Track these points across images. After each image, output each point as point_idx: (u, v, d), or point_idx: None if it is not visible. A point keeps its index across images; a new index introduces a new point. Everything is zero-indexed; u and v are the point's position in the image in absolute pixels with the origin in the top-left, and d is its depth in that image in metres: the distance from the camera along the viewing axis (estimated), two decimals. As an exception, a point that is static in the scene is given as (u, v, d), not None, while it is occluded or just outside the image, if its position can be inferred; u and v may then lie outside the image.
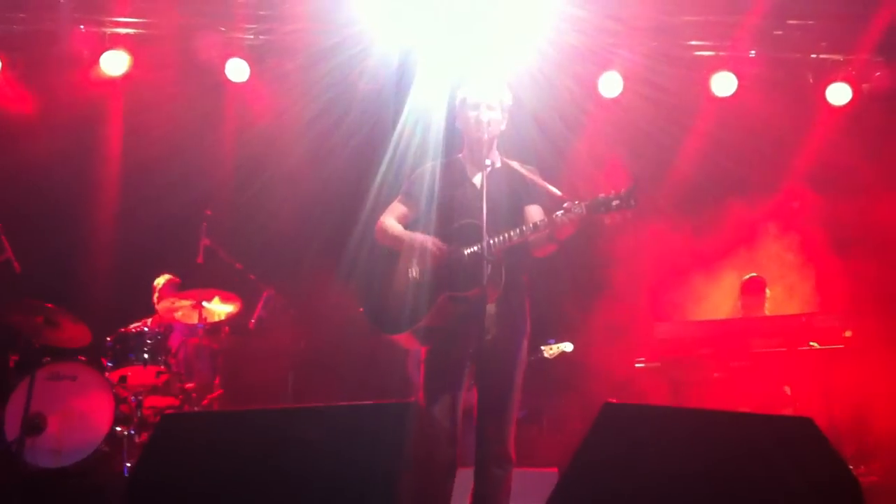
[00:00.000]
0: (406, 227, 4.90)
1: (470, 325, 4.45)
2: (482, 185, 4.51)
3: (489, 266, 4.35)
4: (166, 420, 3.53)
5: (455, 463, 4.61)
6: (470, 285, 4.49)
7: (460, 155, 5.02)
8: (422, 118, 7.66)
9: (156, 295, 8.49)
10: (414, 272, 4.71)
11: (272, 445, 3.17)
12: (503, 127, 4.93)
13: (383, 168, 7.73)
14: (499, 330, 4.52)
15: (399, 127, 7.88)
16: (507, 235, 4.51)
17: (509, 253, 4.58)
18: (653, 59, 8.63)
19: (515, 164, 4.88)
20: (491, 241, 4.43)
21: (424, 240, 4.70)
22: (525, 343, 4.77)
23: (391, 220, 4.92)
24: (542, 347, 8.07)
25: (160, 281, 8.56)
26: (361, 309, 4.86)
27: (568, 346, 8.07)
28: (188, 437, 3.23)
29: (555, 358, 8.05)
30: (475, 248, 4.54)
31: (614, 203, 4.40)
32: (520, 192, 4.81)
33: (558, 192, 4.63)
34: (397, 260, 4.78)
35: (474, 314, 4.34)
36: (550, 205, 4.67)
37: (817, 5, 8.39)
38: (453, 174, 4.93)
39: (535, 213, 4.75)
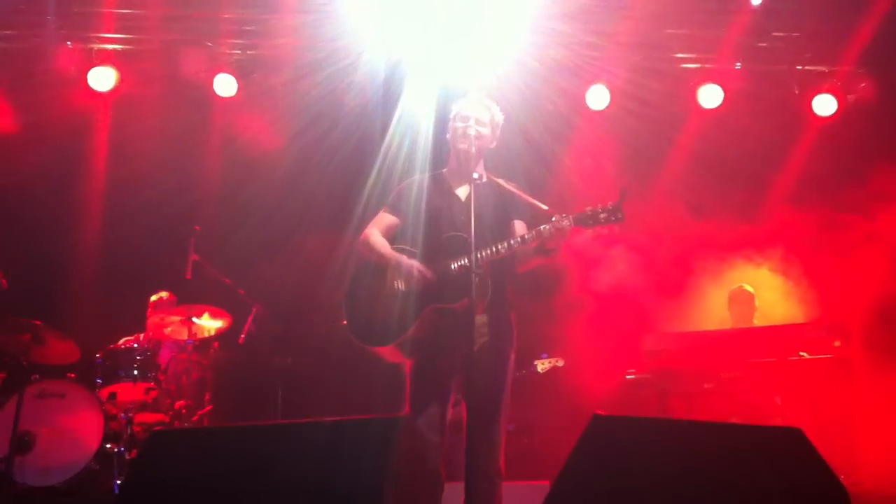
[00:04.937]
0: (392, 238, 4.91)
1: (456, 338, 4.45)
2: (468, 198, 4.52)
3: (476, 279, 4.35)
4: (154, 437, 3.50)
5: (442, 476, 4.60)
6: (457, 298, 4.51)
7: (446, 169, 5.05)
8: (409, 132, 7.69)
9: (150, 312, 8.44)
10: (400, 284, 4.71)
11: (260, 461, 3.16)
12: (493, 144, 4.97)
13: (370, 182, 7.74)
14: (486, 343, 4.52)
15: (386, 141, 7.91)
16: (495, 248, 4.53)
17: (495, 266, 4.59)
18: (639, 72, 8.68)
19: (501, 181, 4.91)
20: (479, 254, 4.43)
21: (410, 266, 4.70)
22: (512, 355, 4.76)
23: (377, 235, 4.92)
24: (536, 362, 8.10)
25: (161, 296, 8.51)
26: (344, 322, 4.85)
27: (560, 361, 8.10)
28: (176, 453, 3.22)
29: (546, 371, 8.07)
30: (462, 260, 4.55)
31: (602, 216, 4.45)
32: (506, 207, 4.84)
33: (544, 207, 4.66)
34: (383, 273, 4.78)
35: (461, 326, 4.34)
36: (536, 219, 4.69)
37: (802, 17, 8.45)
38: (440, 187, 4.96)
39: (521, 228, 4.79)
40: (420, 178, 5.04)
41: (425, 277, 4.65)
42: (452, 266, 4.61)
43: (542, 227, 4.51)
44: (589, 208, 4.48)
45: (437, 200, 4.88)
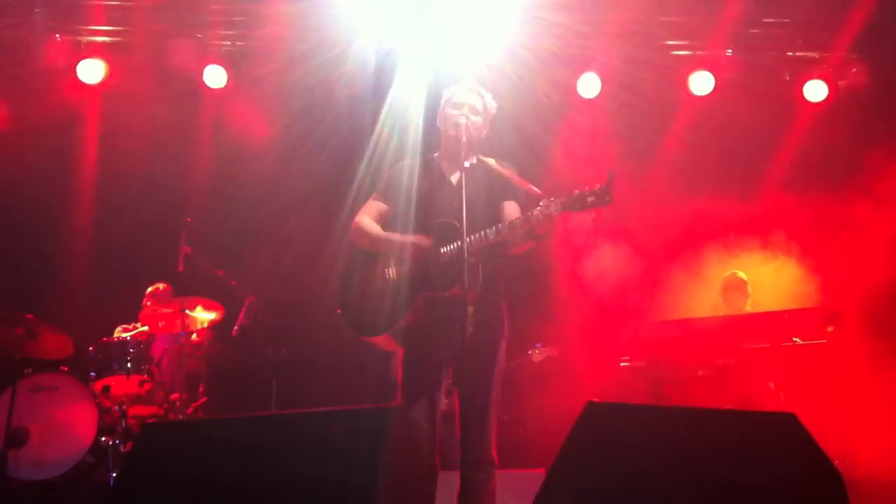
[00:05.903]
0: (383, 225, 4.89)
1: (448, 327, 4.45)
2: (459, 184, 4.50)
3: (466, 266, 4.33)
4: (147, 429, 3.49)
5: (436, 465, 4.59)
6: (448, 285, 4.49)
7: (437, 154, 5.03)
8: (399, 120, 7.67)
9: (148, 303, 8.44)
10: (391, 272, 4.70)
11: (254, 453, 3.16)
12: (484, 132, 4.94)
13: (361, 171, 7.72)
14: (476, 331, 4.43)
15: (376, 130, 7.89)
16: (483, 234, 4.50)
17: (486, 253, 4.57)
18: (630, 60, 8.67)
19: (491, 161, 4.88)
20: (468, 240, 4.41)
21: (403, 240, 4.68)
22: (503, 344, 4.74)
23: (368, 220, 4.90)
24: (530, 352, 8.11)
25: (158, 287, 8.50)
26: (338, 311, 4.84)
27: (554, 350, 8.11)
28: (169, 446, 3.20)
29: (540, 361, 8.09)
30: (452, 247, 4.54)
31: (589, 199, 4.39)
32: (496, 189, 4.80)
33: (536, 190, 4.62)
34: (375, 261, 4.77)
35: (452, 315, 4.34)
36: (527, 202, 4.67)
37: (793, 3, 8.45)
38: (430, 173, 4.93)
39: (511, 209, 4.74)
40: (411, 162, 5.01)
41: (421, 248, 4.62)
42: (442, 252, 4.59)
43: (530, 212, 4.48)
44: (576, 192, 4.42)
45: (429, 185, 4.86)
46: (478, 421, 4.55)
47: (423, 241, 4.65)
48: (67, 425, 7.01)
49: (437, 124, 4.99)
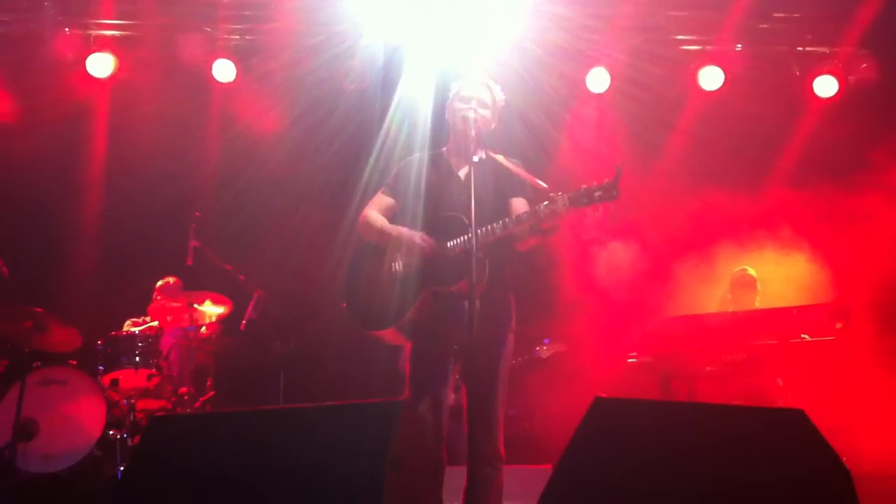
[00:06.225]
0: (390, 219, 4.87)
1: (454, 321, 4.46)
2: (467, 179, 4.49)
3: (474, 261, 4.32)
4: (155, 423, 3.50)
5: (442, 460, 4.60)
6: (454, 280, 4.49)
7: (445, 148, 5.01)
8: (408, 115, 7.67)
9: (158, 297, 8.46)
10: (397, 266, 4.69)
11: (261, 446, 3.15)
12: (493, 126, 4.93)
13: (370, 166, 7.73)
14: (483, 325, 4.41)
15: (385, 124, 7.88)
16: (490, 228, 4.49)
17: (493, 247, 4.56)
18: (639, 54, 8.65)
19: (500, 158, 4.86)
20: (476, 233, 4.39)
21: (411, 235, 4.67)
22: (510, 338, 4.74)
23: (375, 214, 4.89)
24: (538, 347, 8.10)
25: (168, 281, 8.52)
26: (344, 304, 4.84)
27: (562, 346, 8.11)
28: (177, 439, 3.21)
29: (548, 357, 8.09)
30: (459, 241, 4.53)
31: (597, 194, 4.37)
32: (504, 185, 4.79)
33: (543, 185, 4.61)
34: (382, 256, 4.75)
35: (459, 309, 4.33)
36: (535, 197, 4.65)
37: (802, -2, 8.44)
38: (439, 167, 4.92)
39: (519, 205, 4.73)
40: (420, 156, 4.99)
41: (428, 245, 4.61)
42: (449, 246, 4.59)
43: (537, 207, 4.46)
44: (584, 186, 4.40)
45: (437, 180, 4.84)
46: (485, 416, 4.54)
47: (428, 238, 4.64)
48: (76, 418, 7.02)
49: (446, 118, 4.98)
